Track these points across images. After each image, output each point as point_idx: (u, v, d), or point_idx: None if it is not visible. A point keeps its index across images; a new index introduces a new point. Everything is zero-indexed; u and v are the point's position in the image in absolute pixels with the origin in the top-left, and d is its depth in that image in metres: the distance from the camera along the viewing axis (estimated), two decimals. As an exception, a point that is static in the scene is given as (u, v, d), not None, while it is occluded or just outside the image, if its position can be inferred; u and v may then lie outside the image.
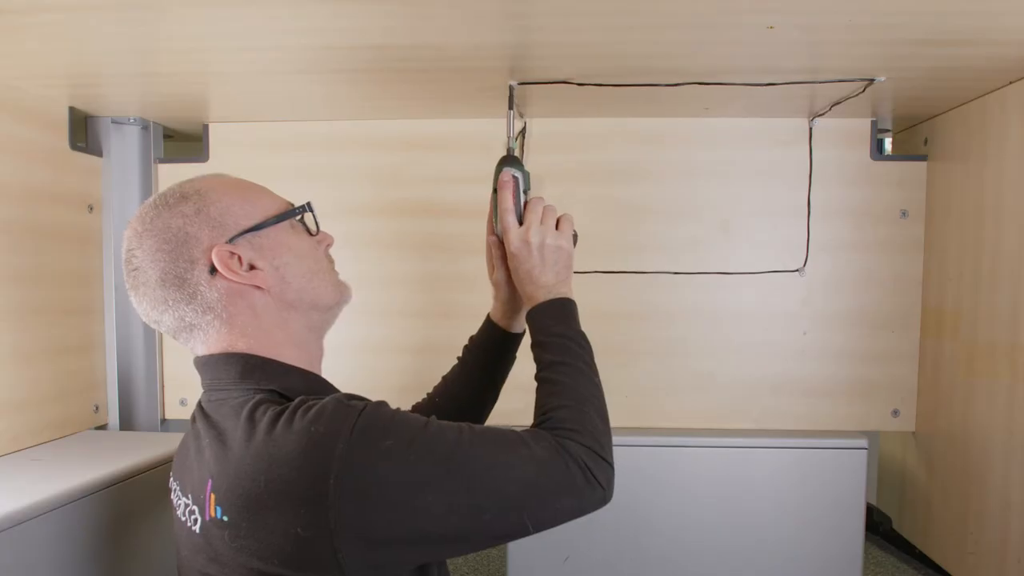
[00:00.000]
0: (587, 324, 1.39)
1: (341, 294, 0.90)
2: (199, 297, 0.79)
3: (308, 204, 0.88)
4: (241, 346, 0.81)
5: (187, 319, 0.80)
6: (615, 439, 1.43)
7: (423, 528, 0.73)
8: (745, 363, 1.39)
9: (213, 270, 0.79)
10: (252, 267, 0.81)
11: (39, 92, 1.22)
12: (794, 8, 0.85)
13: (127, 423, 1.43)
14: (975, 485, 1.19)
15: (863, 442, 1.32)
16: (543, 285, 0.97)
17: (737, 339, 1.39)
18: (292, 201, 0.89)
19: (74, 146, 1.31)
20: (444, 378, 1.16)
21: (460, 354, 1.14)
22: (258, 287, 0.81)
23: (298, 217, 0.87)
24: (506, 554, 1.36)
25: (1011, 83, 1.11)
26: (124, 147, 1.41)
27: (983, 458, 1.17)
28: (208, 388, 0.83)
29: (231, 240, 0.80)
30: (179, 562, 0.84)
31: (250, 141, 1.42)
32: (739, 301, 1.38)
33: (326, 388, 0.86)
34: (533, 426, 0.84)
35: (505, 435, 0.79)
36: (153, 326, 0.82)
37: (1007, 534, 1.10)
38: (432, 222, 1.41)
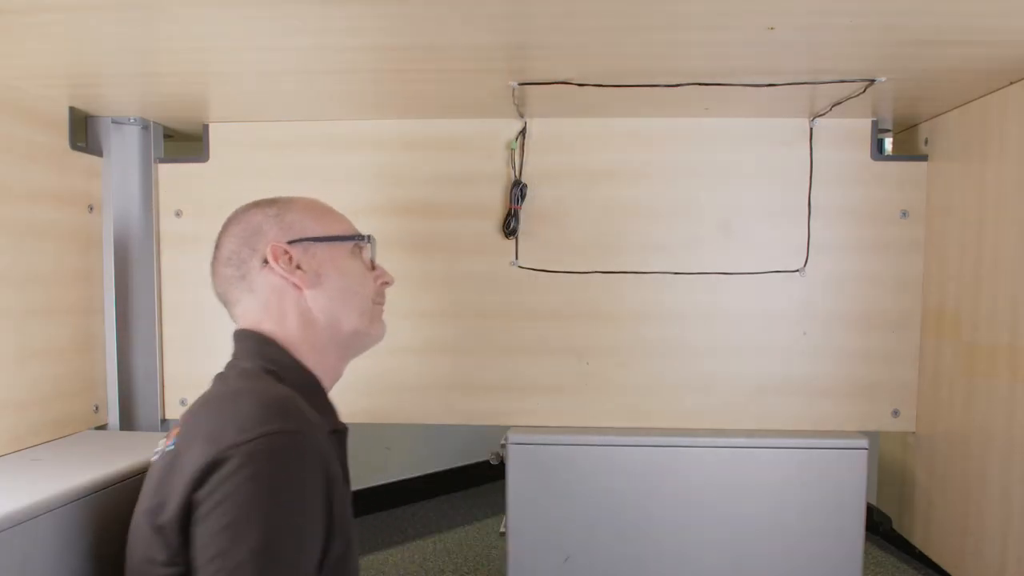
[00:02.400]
0: (588, 324, 1.40)
1: (371, 326, 0.99)
2: (248, 279, 0.93)
3: (369, 236, 1.01)
4: (266, 328, 0.93)
5: (232, 294, 0.95)
6: (616, 439, 1.44)
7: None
8: (745, 363, 1.39)
9: (266, 261, 0.92)
10: (298, 267, 0.93)
11: (39, 92, 1.22)
12: (794, 9, 0.85)
13: (127, 423, 1.43)
14: (975, 485, 1.19)
15: (863, 442, 1.32)
16: None
17: (737, 339, 1.39)
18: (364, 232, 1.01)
19: (74, 146, 1.31)
20: None
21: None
22: (297, 286, 0.92)
23: (356, 244, 0.99)
24: (506, 554, 1.36)
25: (1011, 83, 1.11)
26: (124, 147, 1.41)
27: (983, 458, 1.17)
28: (232, 357, 0.95)
29: (291, 242, 0.93)
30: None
31: (250, 141, 1.42)
32: (739, 301, 1.38)
33: (319, 395, 0.94)
34: None
35: None
36: (216, 295, 0.97)
37: (1007, 534, 1.10)
38: (432, 222, 1.41)
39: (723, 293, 1.38)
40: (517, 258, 1.40)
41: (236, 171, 1.43)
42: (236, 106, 1.33)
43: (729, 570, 1.34)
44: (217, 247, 0.96)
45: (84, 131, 1.39)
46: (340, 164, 1.41)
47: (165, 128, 1.48)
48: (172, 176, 1.44)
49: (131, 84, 1.20)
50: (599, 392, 1.41)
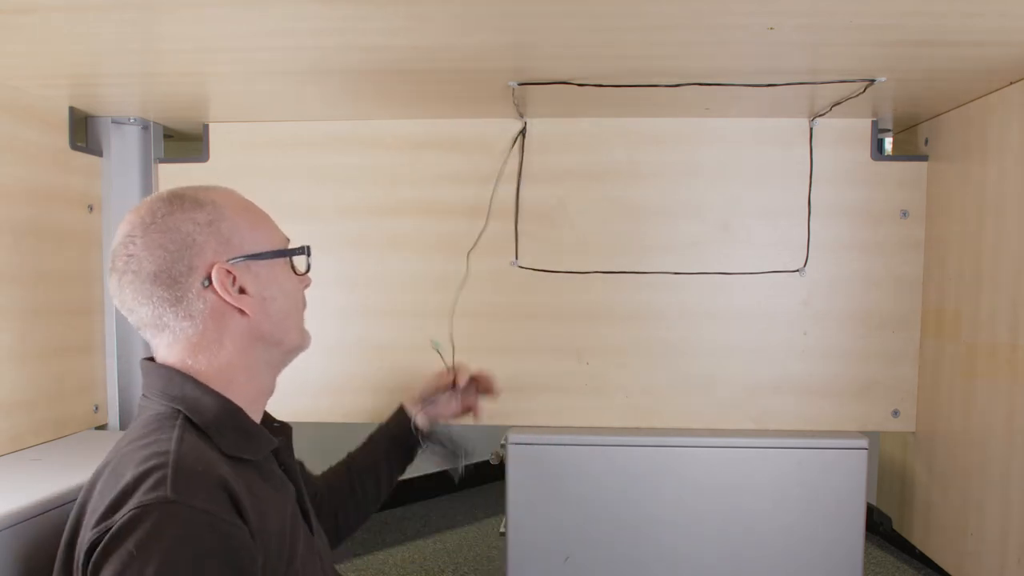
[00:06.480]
0: (588, 324, 1.41)
1: (303, 340, 0.93)
2: (185, 302, 0.81)
3: (307, 247, 0.92)
4: (201, 360, 0.83)
5: (164, 319, 0.82)
6: (616, 439, 1.43)
7: None
8: (745, 363, 1.39)
9: (207, 283, 0.82)
10: (242, 291, 0.84)
11: (39, 92, 1.22)
12: (794, 9, 0.85)
13: (127, 423, 1.43)
14: (975, 485, 1.19)
15: (863, 442, 1.32)
16: None
17: (737, 339, 1.39)
18: (289, 236, 0.93)
19: (74, 146, 1.31)
20: (350, 467, 1.28)
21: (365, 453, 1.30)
22: (242, 311, 0.84)
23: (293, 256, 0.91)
24: (506, 554, 1.36)
25: (1011, 83, 1.11)
26: (124, 147, 1.41)
27: (983, 458, 1.17)
28: (142, 394, 0.85)
29: (232, 260, 0.83)
30: None
31: (250, 141, 1.42)
32: (739, 301, 1.38)
33: (241, 423, 0.85)
34: None
35: None
36: (124, 312, 0.84)
37: (1007, 534, 1.10)
38: (432, 222, 1.41)
39: (723, 293, 1.38)
40: (517, 258, 1.40)
41: (236, 171, 1.43)
42: (236, 106, 1.33)
43: (729, 570, 1.34)
44: (132, 256, 0.81)
45: (84, 131, 1.39)
46: (341, 164, 1.41)
47: (165, 128, 1.48)
48: (172, 176, 1.44)
49: (131, 84, 1.20)
50: (599, 392, 1.41)
